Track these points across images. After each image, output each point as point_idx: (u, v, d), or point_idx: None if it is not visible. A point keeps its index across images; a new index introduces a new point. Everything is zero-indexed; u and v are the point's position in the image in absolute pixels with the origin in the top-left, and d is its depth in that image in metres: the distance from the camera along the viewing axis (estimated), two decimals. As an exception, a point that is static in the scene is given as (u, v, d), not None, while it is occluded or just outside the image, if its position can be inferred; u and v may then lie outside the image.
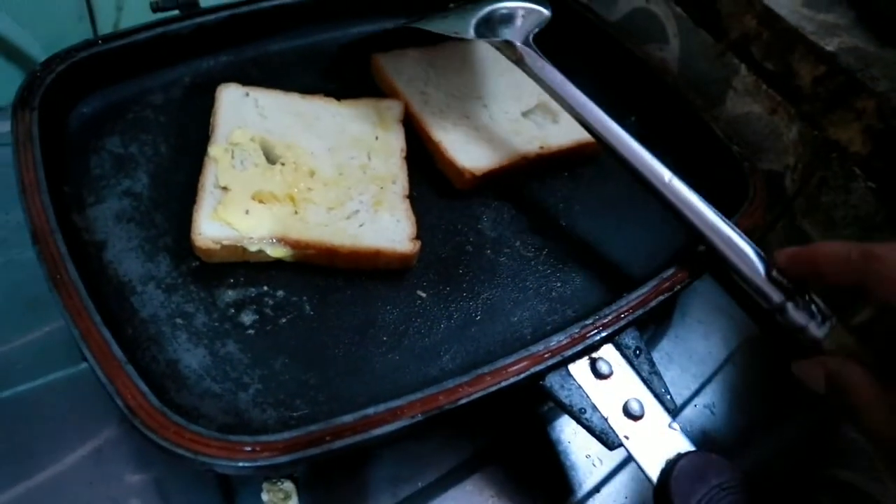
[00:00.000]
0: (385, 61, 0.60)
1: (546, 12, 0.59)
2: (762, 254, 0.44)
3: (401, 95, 0.58)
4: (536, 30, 0.56)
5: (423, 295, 0.48)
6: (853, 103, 0.55)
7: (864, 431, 0.37)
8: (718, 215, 0.46)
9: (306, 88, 0.57)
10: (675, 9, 0.67)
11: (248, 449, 0.36)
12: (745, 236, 0.45)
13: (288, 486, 0.39)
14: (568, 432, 0.50)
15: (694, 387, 0.55)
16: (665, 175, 0.47)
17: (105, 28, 0.68)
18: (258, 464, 0.36)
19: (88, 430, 0.45)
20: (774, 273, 0.43)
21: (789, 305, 0.42)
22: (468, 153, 0.54)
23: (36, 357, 0.48)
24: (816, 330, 0.42)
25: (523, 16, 0.58)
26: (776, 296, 0.43)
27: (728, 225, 0.46)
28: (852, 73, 0.55)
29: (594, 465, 0.50)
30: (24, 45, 0.64)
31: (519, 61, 0.54)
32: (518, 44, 0.54)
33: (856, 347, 0.41)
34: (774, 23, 0.59)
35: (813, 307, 0.42)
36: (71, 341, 0.39)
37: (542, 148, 0.56)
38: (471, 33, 0.55)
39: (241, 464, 0.35)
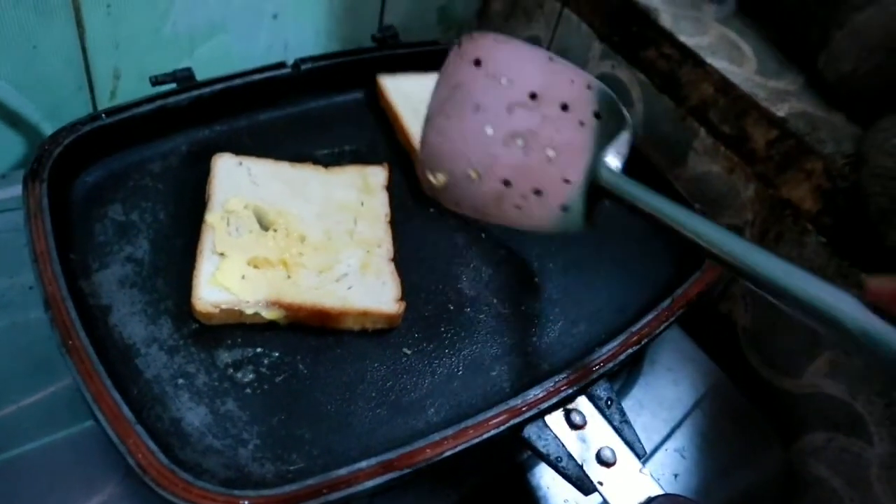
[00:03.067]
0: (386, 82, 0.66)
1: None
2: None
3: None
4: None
5: (409, 352, 0.51)
6: (803, 165, 0.59)
7: None
8: None
9: (296, 156, 0.61)
10: (639, 76, 0.72)
11: (250, 503, 0.39)
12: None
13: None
14: (547, 478, 0.53)
15: (665, 432, 0.59)
16: None
17: (103, 95, 0.71)
18: (260, 516, 0.38)
19: (93, 486, 0.47)
20: None
21: None
22: None
23: (42, 416, 0.50)
24: None
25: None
26: None
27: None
28: (801, 136, 0.59)
29: (573, 509, 0.53)
30: (26, 113, 0.67)
31: None
32: None
33: None
34: (729, 90, 0.64)
35: None
36: (75, 400, 0.41)
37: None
38: None
39: (244, 517, 0.38)
